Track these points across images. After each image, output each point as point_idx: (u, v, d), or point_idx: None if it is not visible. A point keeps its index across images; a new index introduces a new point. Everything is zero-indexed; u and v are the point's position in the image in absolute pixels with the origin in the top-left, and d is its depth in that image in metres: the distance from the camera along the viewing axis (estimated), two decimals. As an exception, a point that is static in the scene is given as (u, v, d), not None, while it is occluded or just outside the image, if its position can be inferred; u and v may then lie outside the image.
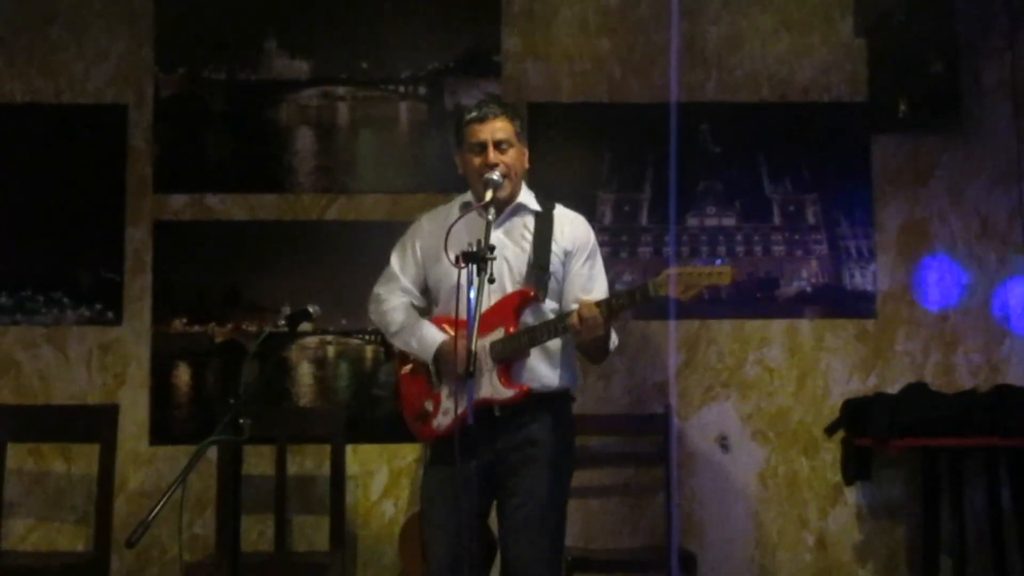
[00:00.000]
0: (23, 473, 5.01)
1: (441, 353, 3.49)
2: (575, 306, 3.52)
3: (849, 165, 5.23)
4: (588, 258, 3.65)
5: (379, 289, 3.75)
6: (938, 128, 5.22)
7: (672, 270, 3.31)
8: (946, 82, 5.08)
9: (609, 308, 3.37)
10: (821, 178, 5.23)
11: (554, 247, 3.58)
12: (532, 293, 3.50)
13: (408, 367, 3.67)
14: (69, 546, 4.99)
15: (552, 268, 3.56)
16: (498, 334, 3.45)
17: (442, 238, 3.49)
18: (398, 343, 3.65)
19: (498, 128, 3.51)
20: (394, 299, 3.68)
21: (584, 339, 3.42)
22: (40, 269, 5.12)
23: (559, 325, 3.43)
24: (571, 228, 3.65)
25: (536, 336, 3.44)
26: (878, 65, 5.18)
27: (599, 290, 3.63)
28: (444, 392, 3.52)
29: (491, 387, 3.43)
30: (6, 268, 5.12)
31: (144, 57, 5.19)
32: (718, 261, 3.34)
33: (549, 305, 3.57)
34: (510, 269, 3.53)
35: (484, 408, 3.41)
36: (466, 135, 3.55)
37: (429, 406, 3.54)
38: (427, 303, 3.73)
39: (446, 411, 3.49)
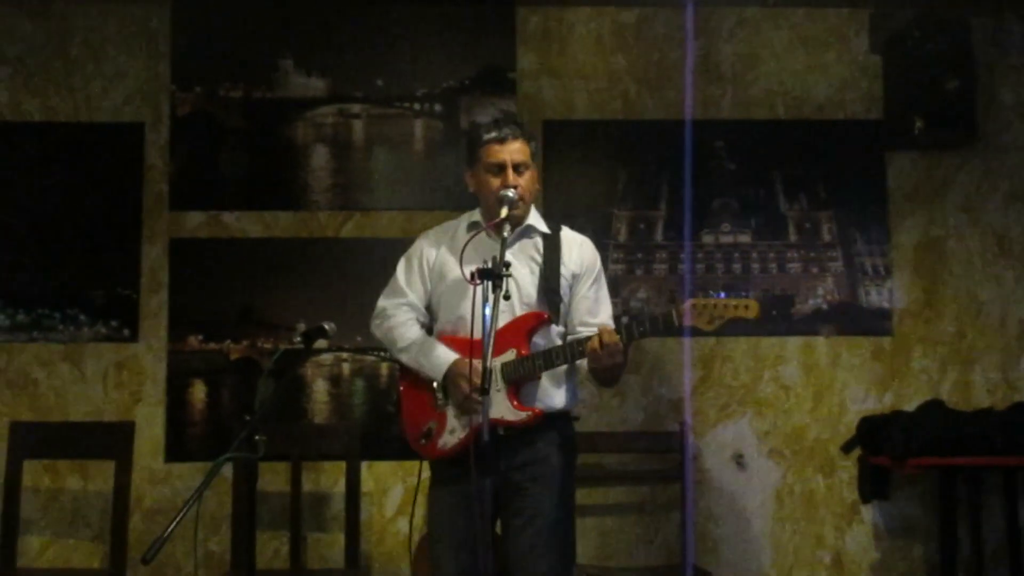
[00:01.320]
0: (39, 490, 5.02)
1: (452, 372, 3.48)
2: (581, 329, 3.51)
3: (865, 182, 5.22)
4: (594, 281, 3.65)
5: (384, 303, 3.73)
6: (954, 145, 5.22)
7: (698, 301, 3.30)
8: (962, 99, 5.06)
9: (630, 335, 3.36)
10: (837, 195, 5.22)
11: (563, 270, 3.58)
12: (546, 316, 3.50)
13: (408, 384, 3.66)
14: (85, 563, 4.99)
15: (561, 291, 3.56)
16: (510, 355, 3.44)
17: (448, 255, 3.49)
18: (405, 359, 3.63)
19: (516, 150, 3.51)
20: (401, 315, 3.67)
21: (600, 364, 3.40)
22: (57, 286, 5.13)
23: (577, 350, 3.41)
24: (579, 251, 3.65)
25: (551, 360, 3.43)
26: (894, 82, 5.17)
27: (604, 313, 3.63)
28: (451, 412, 3.51)
29: (502, 408, 3.41)
30: (23, 285, 5.14)
31: (161, 75, 5.22)
32: (743, 293, 3.32)
33: (556, 329, 3.56)
34: (519, 290, 3.52)
35: (491, 428, 3.39)
36: (483, 155, 3.54)
37: (433, 425, 3.53)
38: (429, 320, 3.72)
39: (452, 430, 3.49)
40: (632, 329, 3.37)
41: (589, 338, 3.39)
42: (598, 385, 3.66)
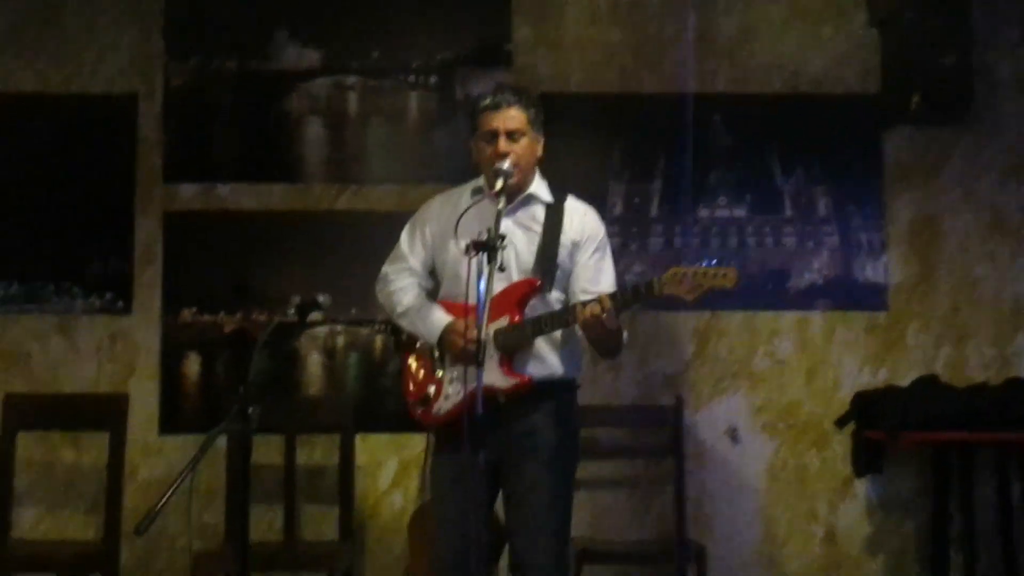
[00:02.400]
0: (33, 462, 5.02)
1: (446, 335, 3.48)
2: (583, 297, 3.50)
3: (861, 157, 5.21)
4: (596, 250, 3.62)
5: (387, 268, 3.74)
6: (951, 121, 5.20)
7: (678, 269, 3.29)
8: (959, 75, 5.04)
9: (612, 303, 3.35)
10: (833, 170, 5.20)
11: (563, 238, 3.56)
12: (537, 283, 3.49)
13: (413, 351, 3.67)
14: (79, 535, 4.99)
15: (559, 259, 3.54)
16: (502, 322, 3.43)
17: (452, 222, 3.48)
18: (404, 324, 3.64)
19: (511, 117, 3.50)
20: (401, 280, 3.68)
21: (593, 334, 3.40)
22: (50, 258, 5.12)
23: (564, 317, 3.41)
24: (580, 219, 3.63)
25: (540, 327, 3.43)
26: (891, 57, 5.15)
27: (606, 283, 3.60)
28: (447, 377, 3.51)
29: (493, 375, 3.40)
30: (16, 257, 5.12)
31: (154, 47, 5.19)
32: (714, 262, 3.27)
33: (555, 295, 3.55)
34: (517, 258, 3.51)
35: (488, 397, 3.39)
36: (479, 123, 3.53)
37: (431, 391, 3.54)
38: (434, 285, 3.71)
39: (447, 396, 3.49)
40: (615, 297, 3.36)
41: (574, 306, 3.39)
42: (600, 356, 3.64)
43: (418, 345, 3.66)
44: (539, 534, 3.46)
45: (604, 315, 3.29)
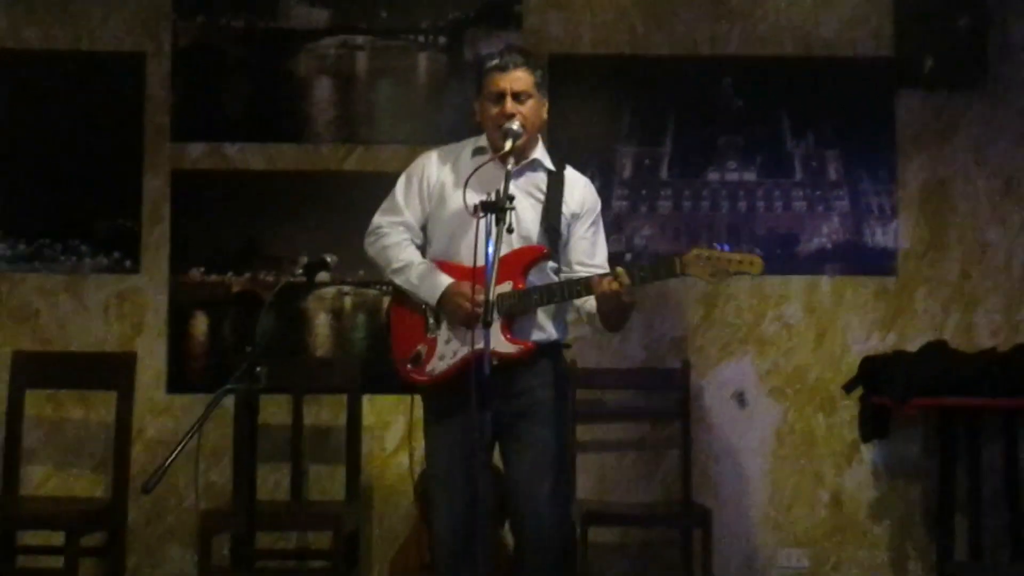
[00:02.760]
0: (41, 420, 5.04)
1: (448, 296, 3.43)
2: (579, 268, 3.49)
3: (873, 121, 5.17)
4: (593, 223, 3.62)
5: (380, 219, 3.64)
6: (964, 85, 5.16)
7: (701, 252, 3.27)
8: (973, 39, 5.02)
9: (631, 278, 3.33)
10: (844, 134, 5.17)
11: (563, 208, 3.55)
12: (545, 251, 3.47)
13: (398, 307, 3.60)
14: (86, 493, 5.02)
15: (561, 228, 3.53)
16: (505, 287, 3.40)
17: (450, 179, 3.47)
18: (399, 280, 3.55)
19: (518, 78, 3.46)
20: (396, 234, 3.59)
21: (608, 307, 3.37)
22: (58, 217, 5.12)
23: (577, 288, 3.38)
24: (581, 191, 3.61)
25: (551, 295, 3.41)
26: (904, 20, 5.11)
27: (601, 256, 3.61)
28: (441, 337, 3.48)
29: (495, 340, 3.37)
30: (24, 216, 5.12)
31: (162, 5, 5.16)
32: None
33: (550, 265, 3.54)
34: (519, 223, 3.47)
35: (478, 360, 3.37)
36: (486, 83, 3.50)
37: (422, 350, 3.50)
38: (423, 242, 3.63)
39: (442, 356, 3.45)
40: (633, 273, 3.34)
41: (590, 278, 3.37)
42: (605, 328, 3.59)
43: (403, 298, 3.59)
44: (545, 483, 3.45)
45: (623, 290, 3.28)
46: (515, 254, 3.43)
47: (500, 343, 3.38)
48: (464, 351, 3.32)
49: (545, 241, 3.49)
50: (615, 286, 3.28)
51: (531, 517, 3.46)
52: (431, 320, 3.51)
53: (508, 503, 3.53)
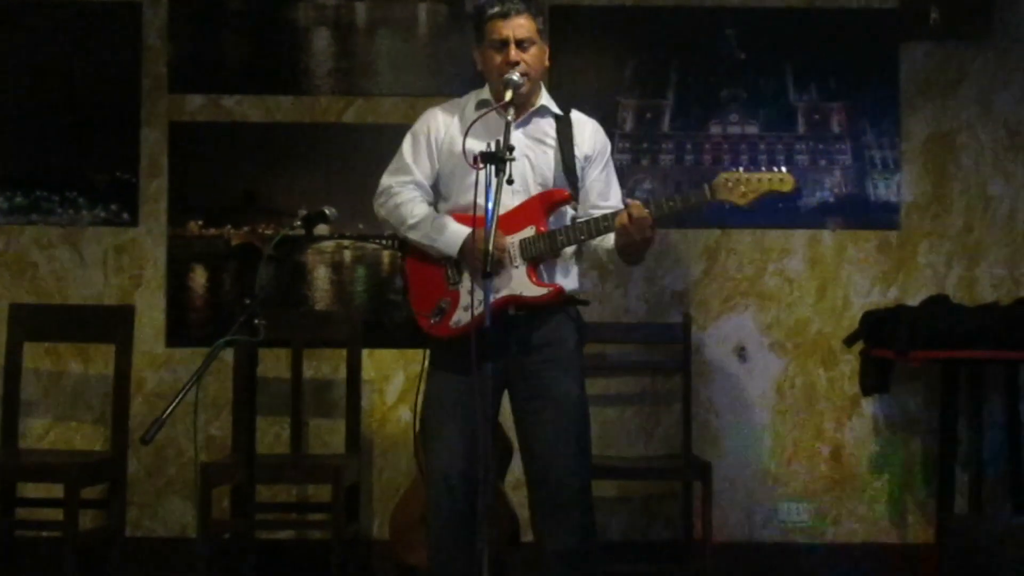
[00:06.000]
0: (40, 372, 5.03)
1: (468, 247, 3.39)
2: (593, 212, 3.47)
3: (877, 73, 5.12)
4: (605, 165, 3.61)
5: (390, 180, 3.60)
6: (969, 36, 5.11)
7: (729, 175, 3.25)
8: (979, -11, 4.96)
9: (659, 209, 3.30)
10: (848, 86, 5.12)
11: (576, 151, 3.53)
12: (567, 195, 3.45)
13: (415, 261, 3.56)
14: (86, 445, 5.02)
15: (577, 172, 3.51)
16: (528, 232, 3.39)
17: (457, 133, 3.43)
18: (416, 236, 3.50)
19: (520, 25, 3.42)
20: (407, 192, 3.56)
21: (630, 240, 3.34)
22: (55, 169, 5.09)
23: (602, 225, 3.36)
24: (591, 133, 3.59)
25: (575, 235, 3.40)
26: (910, -30, 5.06)
27: (615, 196, 3.60)
28: (464, 288, 3.44)
29: (522, 285, 3.37)
30: (20, 168, 5.10)
31: (158, -47, 5.11)
32: (776, 168, 3.25)
33: (567, 210, 3.52)
34: (533, 170, 3.46)
35: (500, 308, 3.35)
36: (487, 31, 3.45)
37: (445, 304, 3.48)
38: (434, 199, 3.61)
39: (466, 307, 3.40)
40: (662, 204, 3.32)
41: (615, 213, 3.35)
42: (625, 262, 3.58)
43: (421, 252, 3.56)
44: (565, 443, 3.44)
45: (642, 219, 3.25)
46: (538, 198, 3.42)
47: (528, 287, 3.38)
48: (490, 299, 3.30)
49: (564, 185, 3.47)
50: (644, 213, 3.26)
51: (560, 466, 3.44)
52: (452, 272, 3.48)
53: (530, 454, 3.51)
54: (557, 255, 3.45)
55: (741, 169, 3.27)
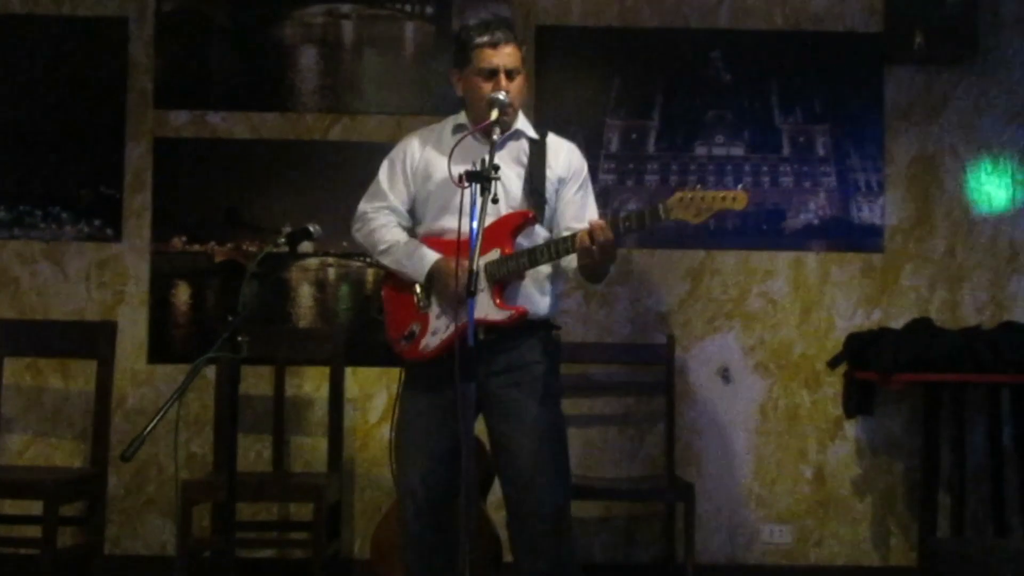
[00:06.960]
0: (21, 388, 5.00)
1: (436, 272, 3.42)
2: (567, 233, 3.47)
3: (861, 97, 5.14)
4: (581, 187, 3.62)
5: (366, 206, 3.65)
6: (953, 62, 5.14)
7: (684, 193, 3.25)
8: (963, 15, 4.97)
9: (615, 229, 3.30)
10: (833, 109, 5.15)
11: (548, 173, 3.54)
12: (531, 215, 3.45)
13: (390, 287, 3.59)
14: (67, 461, 4.99)
15: (547, 194, 3.52)
16: (494, 255, 3.39)
17: (434, 156, 3.47)
18: (387, 261, 3.55)
19: (508, 55, 3.44)
20: (381, 217, 3.60)
21: (590, 260, 3.34)
22: (38, 183, 5.07)
23: (563, 246, 3.36)
24: (566, 155, 3.61)
25: (536, 257, 3.38)
26: (895, -5, 5.08)
27: (591, 217, 3.57)
28: (433, 313, 3.46)
29: (486, 308, 3.36)
30: (4, 182, 5.08)
31: (145, -31, 5.10)
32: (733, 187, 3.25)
33: (540, 232, 3.52)
34: (506, 193, 3.46)
35: (478, 330, 3.34)
36: (474, 58, 3.46)
37: (416, 328, 3.48)
38: (411, 224, 3.64)
39: (435, 332, 3.43)
40: (617, 223, 3.32)
41: (573, 235, 3.34)
42: (586, 282, 3.59)
43: (394, 278, 3.59)
44: (539, 466, 3.43)
45: (605, 241, 3.25)
46: (501, 221, 3.41)
47: (491, 310, 3.37)
48: (455, 325, 3.30)
49: (530, 206, 3.47)
50: (609, 235, 3.25)
51: (533, 491, 3.43)
52: (421, 297, 3.49)
53: (504, 479, 3.50)
54: (522, 277, 3.44)
55: (698, 187, 3.26)
